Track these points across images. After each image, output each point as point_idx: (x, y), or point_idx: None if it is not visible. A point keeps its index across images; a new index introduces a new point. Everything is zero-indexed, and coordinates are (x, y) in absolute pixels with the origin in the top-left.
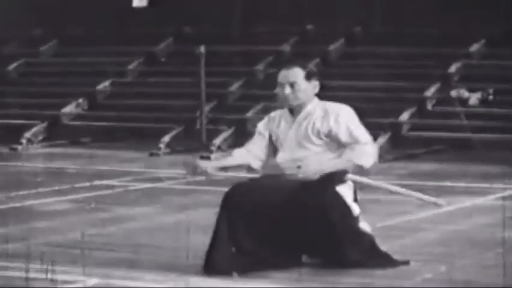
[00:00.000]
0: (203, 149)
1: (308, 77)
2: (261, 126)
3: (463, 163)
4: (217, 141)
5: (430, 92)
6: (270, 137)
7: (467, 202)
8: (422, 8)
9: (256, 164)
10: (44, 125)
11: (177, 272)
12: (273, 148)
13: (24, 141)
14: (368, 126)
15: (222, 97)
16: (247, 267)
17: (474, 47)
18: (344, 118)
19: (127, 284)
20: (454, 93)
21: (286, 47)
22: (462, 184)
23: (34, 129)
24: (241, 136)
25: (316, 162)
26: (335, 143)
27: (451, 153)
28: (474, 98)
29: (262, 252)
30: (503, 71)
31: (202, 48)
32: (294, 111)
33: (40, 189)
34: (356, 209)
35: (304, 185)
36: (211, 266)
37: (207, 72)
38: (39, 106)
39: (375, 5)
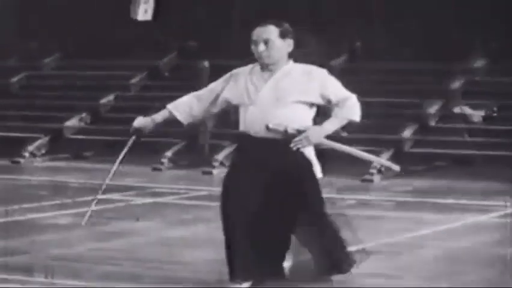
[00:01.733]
0: (206, 164)
1: (283, 35)
2: (217, 83)
3: (465, 180)
4: (220, 156)
5: (433, 108)
6: (220, 95)
7: (470, 219)
8: (425, 24)
9: (184, 120)
10: (47, 138)
11: (179, 286)
12: (224, 106)
13: (26, 154)
14: (371, 143)
15: (225, 112)
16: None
17: (477, 63)
18: (328, 80)
19: None
20: (457, 109)
21: None
22: (464, 201)
23: (37, 143)
24: None
25: (317, 128)
26: (309, 103)
27: (453, 170)
28: (477, 115)
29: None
30: (506, 87)
31: (206, 63)
32: (267, 69)
33: (42, 203)
34: (318, 171)
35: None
36: (237, 275)
37: None
38: (42, 119)
39: (376, 20)
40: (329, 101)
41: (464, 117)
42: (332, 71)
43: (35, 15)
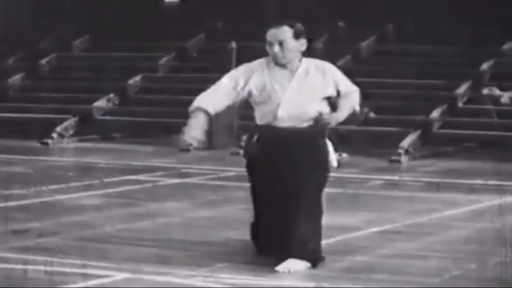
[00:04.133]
0: (234, 144)
1: (296, 35)
2: (236, 74)
3: (493, 161)
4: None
5: (461, 89)
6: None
7: (498, 200)
8: (454, 6)
9: (213, 111)
10: (75, 119)
11: (207, 267)
12: (244, 99)
13: (55, 135)
14: (399, 123)
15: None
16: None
17: (506, 45)
18: (337, 74)
19: (157, 279)
20: (485, 91)
21: (317, 44)
22: (493, 182)
23: (65, 124)
24: None
25: (334, 113)
26: (327, 96)
27: (481, 151)
28: (506, 97)
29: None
30: None
31: (234, 44)
32: (284, 67)
33: (71, 184)
34: (334, 160)
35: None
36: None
37: None
38: (70, 101)
39: (407, 2)
40: (338, 93)
41: (492, 99)
42: (361, 53)
43: None
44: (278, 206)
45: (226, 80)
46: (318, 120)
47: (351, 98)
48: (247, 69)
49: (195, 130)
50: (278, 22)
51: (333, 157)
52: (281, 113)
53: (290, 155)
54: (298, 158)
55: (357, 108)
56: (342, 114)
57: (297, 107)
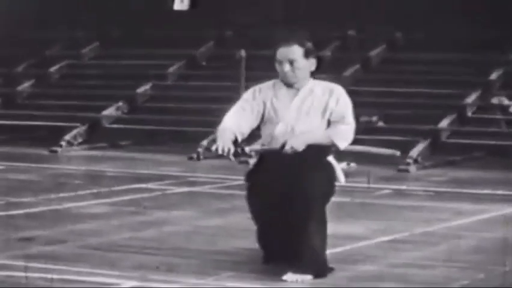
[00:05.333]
0: (241, 154)
1: (307, 54)
2: (249, 96)
3: (502, 171)
4: (256, 146)
5: (471, 99)
6: (259, 108)
7: (506, 210)
8: (464, 14)
9: (240, 135)
10: (84, 127)
11: (215, 276)
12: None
13: (64, 143)
14: (408, 132)
15: None
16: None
17: None
18: (344, 99)
19: (164, 287)
20: (494, 100)
21: (327, 52)
22: (501, 192)
23: (74, 132)
24: None
25: (301, 134)
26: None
27: (490, 161)
28: None
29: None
30: None
31: (243, 52)
32: (291, 87)
33: (79, 192)
34: (341, 176)
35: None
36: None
37: (247, 76)
38: (79, 108)
39: (416, 10)
40: (330, 113)
41: (501, 108)
42: (371, 61)
43: (76, 4)
44: (285, 217)
45: (243, 104)
46: (283, 146)
47: (335, 130)
48: (255, 91)
49: (223, 139)
50: (288, 40)
51: (339, 172)
52: (277, 131)
53: (294, 167)
54: (302, 170)
55: (339, 143)
56: (309, 137)
57: (294, 127)
